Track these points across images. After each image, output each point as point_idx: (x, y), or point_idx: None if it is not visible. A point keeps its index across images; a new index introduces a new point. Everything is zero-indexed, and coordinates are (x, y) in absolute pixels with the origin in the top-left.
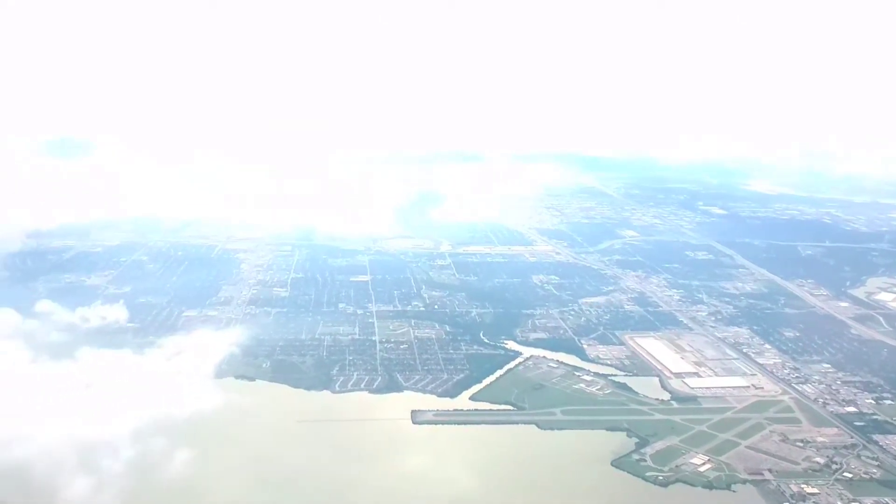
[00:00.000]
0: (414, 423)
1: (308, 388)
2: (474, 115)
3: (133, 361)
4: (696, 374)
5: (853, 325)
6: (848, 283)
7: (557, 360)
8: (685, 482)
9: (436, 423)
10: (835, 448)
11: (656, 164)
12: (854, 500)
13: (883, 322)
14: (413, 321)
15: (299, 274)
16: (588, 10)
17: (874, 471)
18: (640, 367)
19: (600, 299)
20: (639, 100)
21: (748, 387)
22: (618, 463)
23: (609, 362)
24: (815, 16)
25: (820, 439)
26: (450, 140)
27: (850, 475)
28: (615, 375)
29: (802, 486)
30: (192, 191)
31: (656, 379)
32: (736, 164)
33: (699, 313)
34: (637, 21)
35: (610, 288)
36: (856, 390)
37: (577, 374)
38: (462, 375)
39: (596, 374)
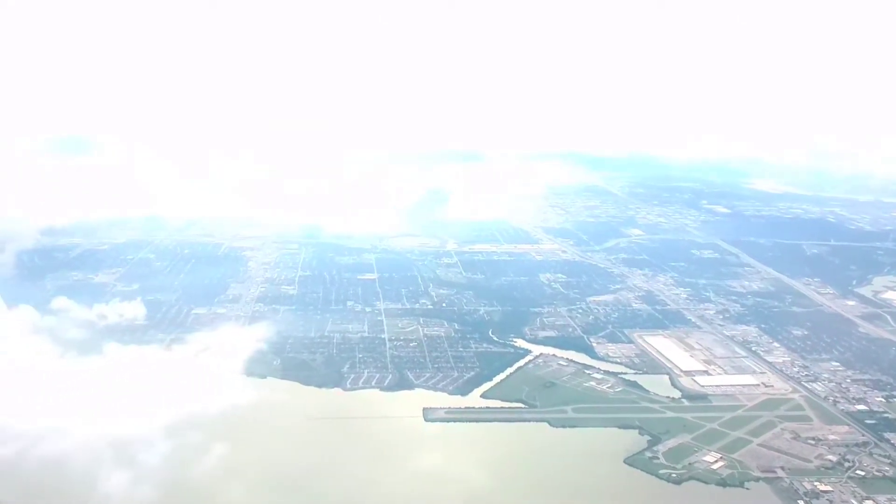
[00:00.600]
0: (426, 420)
1: (319, 386)
2: (477, 115)
3: (148, 359)
4: (706, 373)
5: (861, 324)
6: (854, 282)
7: (567, 359)
8: (698, 480)
9: (448, 420)
10: (846, 446)
11: (659, 162)
12: (868, 498)
13: (890, 321)
14: (422, 319)
15: (306, 272)
16: (590, 9)
17: (887, 469)
18: (649, 365)
19: (608, 297)
20: (641, 99)
21: (758, 385)
22: (631, 460)
23: (619, 360)
24: (817, 15)
25: (831, 437)
26: (453, 139)
27: (862, 473)
28: (625, 373)
29: (816, 483)
30: (196, 189)
31: (666, 377)
32: (739, 163)
33: (707, 311)
34: (639, 20)
35: (617, 286)
36: (865, 388)
37: (588, 372)
38: (472, 373)
39: (606, 372)
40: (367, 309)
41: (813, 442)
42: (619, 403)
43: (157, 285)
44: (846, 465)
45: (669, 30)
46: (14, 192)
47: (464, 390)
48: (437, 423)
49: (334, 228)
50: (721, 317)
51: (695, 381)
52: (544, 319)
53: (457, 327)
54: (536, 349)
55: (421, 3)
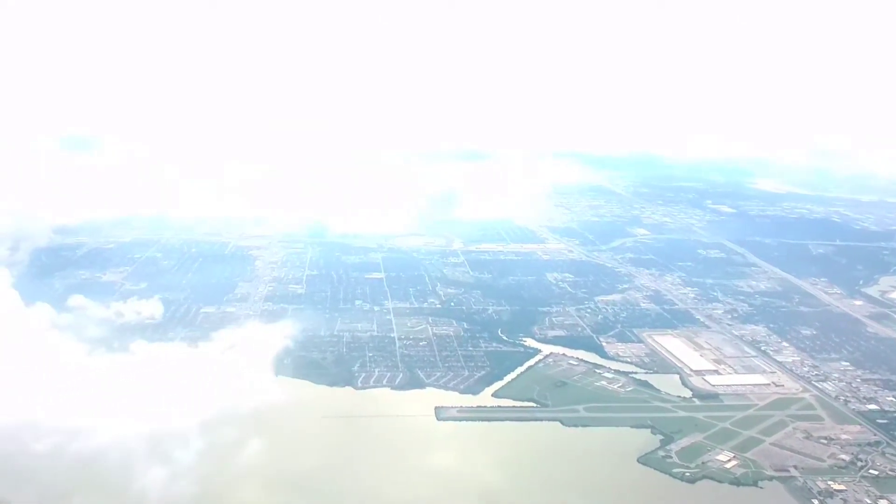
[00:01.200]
0: (438, 419)
1: (330, 385)
2: (479, 114)
3: (168, 357)
4: (716, 372)
5: (869, 324)
6: (861, 282)
7: (577, 358)
8: (712, 479)
9: (460, 419)
10: (859, 445)
11: (661, 162)
12: (882, 497)
13: None
14: (430, 318)
15: (314, 271)
16: (590, 9)
17: None
18: (659, 364)
19: (616, 297)
20: (642, 98)
21: (769, 384)
22: (644, 460)
23: (629, 360)
24: (819, 13)
25: (844, 436)
26: (455, 139)
27: (875, 472)
28: (636, 373)
29: (829, 482)
30: (201, 188)
31: (676, 376)
32: (741, 162)
33: (715, 311)
34: (642, 19)
35: (625, 286)
36: (876, 388)
37: (598, 371)
38: (483, 372)
39: (617, 371)
40: (376, 308)
41: (825, 441)
42: (630, 403)
43: (165, 284)
44: (859, 464)
45: (670, 29)
46: (22, 191)
47: (475, 389)
48: (450, 422)
49: (340, 228)
50: (729, 316)
51: (705, 380)
52: (553, 319)
53: (466, 326)
54: (546, 348)
55: (423, 4)
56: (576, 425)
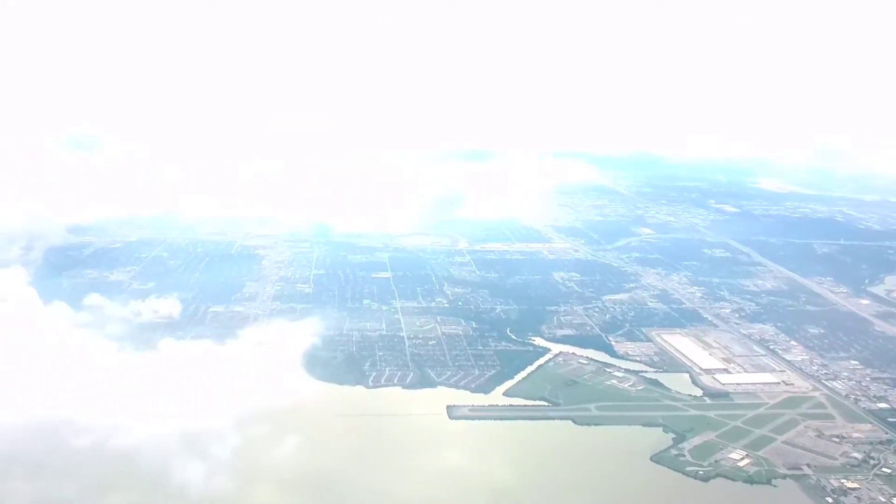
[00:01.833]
0: (450, 418)
1: (341, 384)
2: (481, 114)
3: (175, 356)
4: (726, 371)
5: (876, 323)
6: (867, 281)
7: (587, 357)
8: (726, 477)
9: (472, 418)
10: (871, 444)
11: (663, 162)
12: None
13: None
14: (438, 317)
15: (321, 270)
16: (591, 9)
17: None
18: (669, 363)
19: (623, 296)
20: (644, 98)
21: (778, 383)
22: (657, 458)
23: (638, 359)
24: (820, 13)
25: (855, 435)
26: (457, 138)
27: (888, 470)
28: (645, 372)
29: (842, 480)
30: (205, 188)
31: (686, 375)
32: (743, 162)
33: (723, 310)
34: (644, 19)
35: (632, 285)
36: (886, 387)
37: (608, 370)
38: (493, 371)
39: (627, 370)
40: (384, 307)
41: (837, 440)
42: (641, 401)
43: (172, 283)
44: (871, 462)
45: (671, 28)
46: (33, 190)
47: (486, 388)
48: (462, 421)
49: (345, 227)
50: (737, 315)
51: (715, 379)
52: (561, 318)
53: (474, 326)
54: (555, 347)
55: (424, 4)
56: (588, 424)
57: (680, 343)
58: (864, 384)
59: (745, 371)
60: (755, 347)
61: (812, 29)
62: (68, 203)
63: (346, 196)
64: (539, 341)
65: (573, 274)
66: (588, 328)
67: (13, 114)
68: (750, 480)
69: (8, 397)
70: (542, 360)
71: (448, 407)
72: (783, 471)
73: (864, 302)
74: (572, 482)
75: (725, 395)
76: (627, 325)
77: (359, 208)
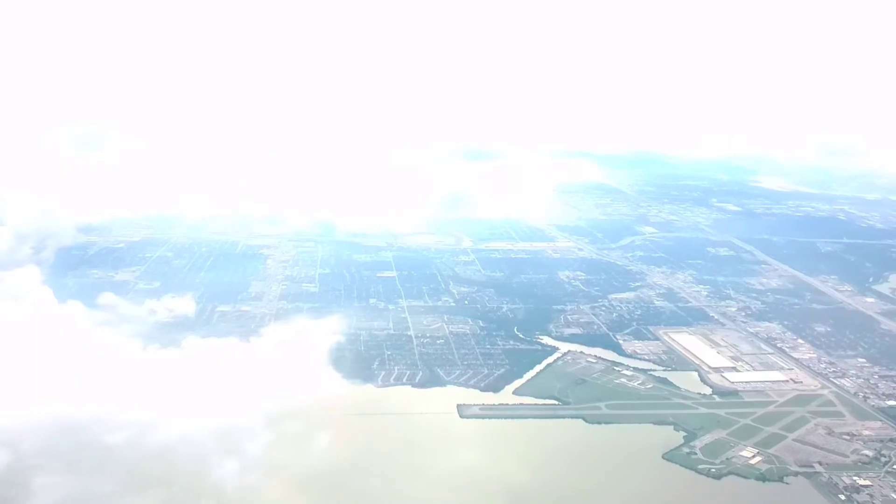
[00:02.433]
0: (461, 417)
1: (351, 383)
2: (482, 114)
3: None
4: (734, 369)
5: (882, 321)
6: (871, 279)
7: (595, 356)
8: (738, 474)
9: (483, 417)
10: (881, 441)
11: (663, 160)
12: None
13: None
14: (445, 316)
15: (326, 269)
16: (592, 8)
17: None
18: (677, 361)
19: (629, 295)
20: (644, 97)
21: (787, 381)
22: (669, 456)
23: (646, 357)
24: (821, 12)
25: (865, 432)
26: (459, 138)
27: None
28: (654, 370)
29: (854, 478)
30: (208, 187)
31: (695, 374)
32: (744, 161)
33: (729, 309)
34: (644, 18)
35: (637, 284)
36: (894, 384)
37: (617, 368)
38: (502, 370)
39: (635, 368)
40: (391, 306)
41: (847, 437)
42: (651, 400)
43: (178, 283)
44: (883, 459)
45: (671, 28)
46: (40, 189)
47: (495, 387)
48: (473, 420)
49: (348, 226)
50: (743, 314)
51: (724, 377)
52: (568, 317)
53: (481, 325)
54: (563, 346)
55: (426, 4)
56: (599, 422)
57: (687, 342)
58: (872, 382)
59: (754, 369)
60: (762, 346)
61: (811, 28)
62: (74, 202)
63: (349, 195)
64: (547, 340)
65: (578, 273)
66: (595, 327)
67: (13, 113)
68: (762, 478)
69: (40, 395)
70: (550, 359)
71: (458, 406)
72: (795, 468)
73: (870, 300)
74: (586, 480)
75: (734, 393)
76: (634, 323)
77: (362, 207)
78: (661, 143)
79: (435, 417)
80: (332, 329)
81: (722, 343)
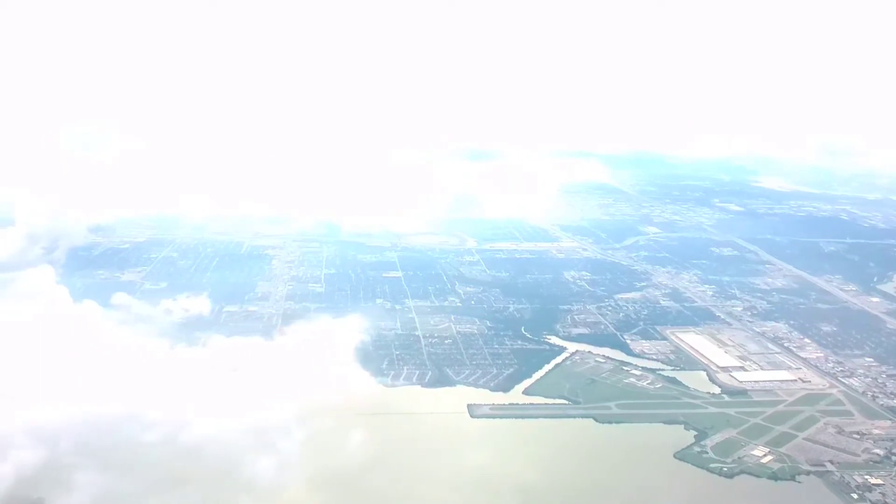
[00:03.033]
0: (472, 416)
1: (359, 382)
2: (483, 114)
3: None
4: (742, 368)
5: (888, 320)
6: (875, 279)
7: (603, 355)
8: (750, 473)
9: (493, 416)
10: (892, 440)
11: (663, 160)
12: None
13: None
14: (452, 316)
15: (331, 270)
16: (592, 8)
17: None
18: (685, 361)
19: (635, 295)
20: (644, 97)
21: (795, 380)
22: (681, 455)
23: (654, 357)
24: (822, 12)
25: (876, 431)
26: (460, 138)
27: None
28: (663, 370)
29: (866, 477)
30: (211, 188)
31: (703, 373)
32: (744, 160)
33: (735, 308)
34: (644, 18)
35: (643, 283)
36: None
37: (626, 368)
38: (511, 370)
39: (644, 368)
40: (397, 306)
41: (857, 436)
42: (660, 399)
43: (184, 283)
44: (894, 458)
45: (671, 27)
46: (50, 189)
47: (505, 387)
48: (484, 419)
49: (352, 227)
50: (749, 313)
51: (732, 376)
52: (575, 317)
53: (489, 325)
54: (571, 346)
55: (427, 5)
56: (609, 422)
57: (695, 341)
58: (880, 381)
59: (762, 369)
60: (769, 345)
61: (811, 28)
62: (81, 202)
63: (352, 195)
64: (555, 340)
65: (584, 273)
66: (602, 327)
67: (13, 113)
68: (774, 477)
69: (72, 393)
70: (558, 359)
71: (469, 405)
72: (806, 467)
73: (875, 300)
74: (599, 479)
75: (743, 392)
76: (641, 323)
77: (365, 208)
78: (661, 143)
79: (446, 417)
80: (339, 329)
81: (729, 342)
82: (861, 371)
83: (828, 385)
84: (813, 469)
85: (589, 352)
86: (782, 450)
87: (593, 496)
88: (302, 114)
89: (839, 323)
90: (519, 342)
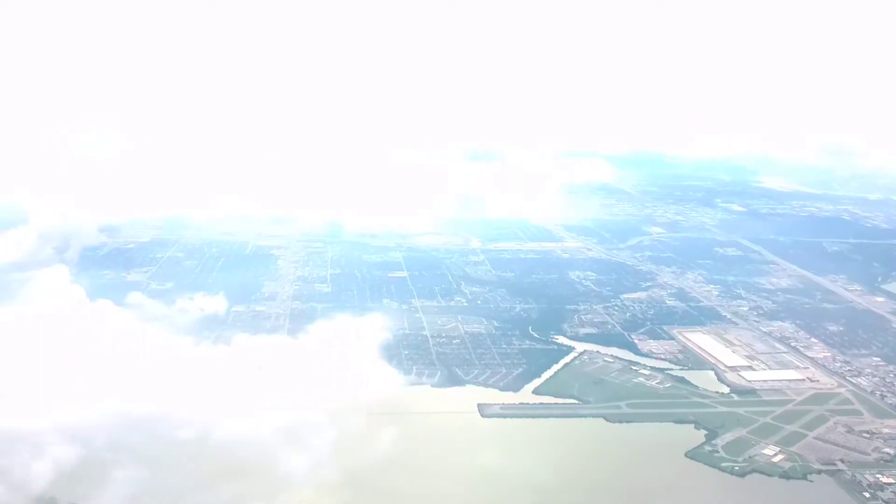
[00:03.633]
0: (483, 416)
1: (368, 382)
2: (488, 114)
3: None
4: (751, 368)
5: (894, 320)
6: (879, 279)
7: (611, 355)
8: (761, 472)
9: (504, 416)
10: None
11: (665, 160)
12: None
13: None
14: (459, 316)
15: (337, 270)
16: (592, 8)
17: None
18: (693, 361)
19: (641, 295)
20: (645, 97)
21: (804, 380)
22: (692, 454)
23: (662, 356)
24: (822, 12)
25: (885, 430)
26: (462, 138)
27: None
28: (671, 369)
29: (878, 476)
30: (215, 188)
31: (711, 372)
32: (745, 161)
33: (740, 308)
34: (645, 18)
35: (648, 283)
36: None
37: (634, 368)
38: (520, 370)
39: (652, 368)
40: (404, 306)
41: (868, 435)
42: (670, 399)
43: (191, 284)
44: None
45: (672, 27)
46: (61, 190)
47: (515, 386)
48: (495, 419)
49: (356, 227)
50: (755, 313)
51: (741, 376)
52: (582, 317)
53: (496, 325)
54: (579, 346)
55: (428, 5)
56: (620, 421)
57: (702, 341)
58: (888, 380)
59: (770, 368)
60: (776, 345)
61: (811, 28)
62: (89, 202)
63: (356, 196)
64: (562, 340)
65: (589, 273)
66: (609, 327)
67: (12, 113)
68: (786, 476)
69: (104, 391)
70: (567, 359)
71: (479, 405)
72: (818, 466)
73: (880, 299)
74: (612, 478)
75: (752, 391)
76: (648, 323)
77: (369, 208)
78: (662, 143)
79: (457, 417)
80: (350, 330)
81: (736, 342)
82: (869, 370)
83: (836, 384)
84: (824, 468)
85: (597, 351)
86: (793, 449)
87: (606, 494)
88: (304, 114)
89: (845, 322)
90: (527, 342)
